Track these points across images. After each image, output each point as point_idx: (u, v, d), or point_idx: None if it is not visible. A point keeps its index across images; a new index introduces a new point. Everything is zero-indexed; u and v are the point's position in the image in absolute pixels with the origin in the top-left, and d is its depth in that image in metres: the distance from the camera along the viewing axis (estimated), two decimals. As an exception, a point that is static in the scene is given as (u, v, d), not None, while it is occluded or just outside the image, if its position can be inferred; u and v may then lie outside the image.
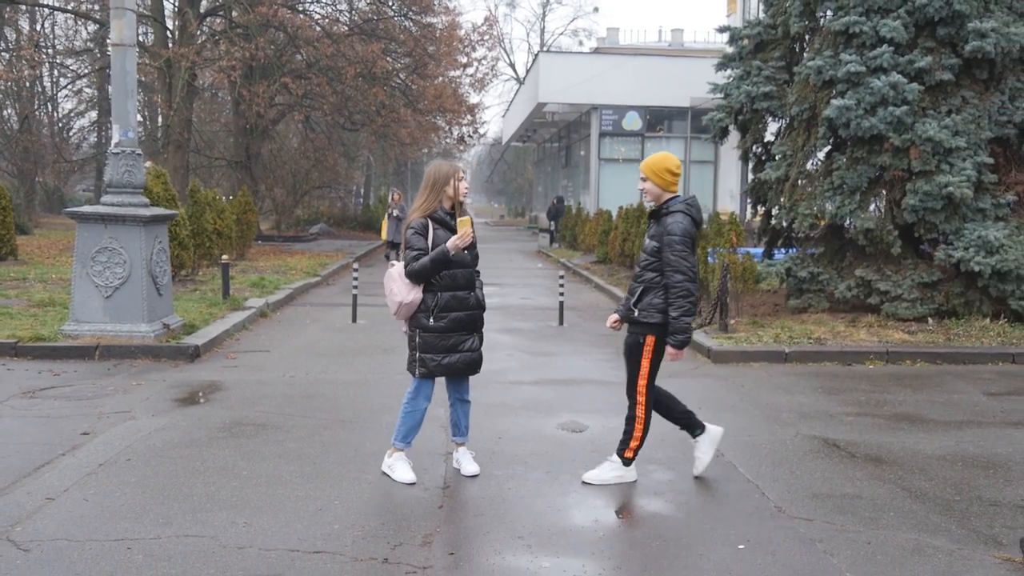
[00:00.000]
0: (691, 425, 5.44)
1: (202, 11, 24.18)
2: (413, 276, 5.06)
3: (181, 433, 6.18)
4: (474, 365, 5.27)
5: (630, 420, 5.21)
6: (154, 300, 9.34)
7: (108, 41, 29.07)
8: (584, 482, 5.19)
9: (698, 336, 9.95)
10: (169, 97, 22.50)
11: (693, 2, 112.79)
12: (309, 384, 7.88)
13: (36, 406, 6.88)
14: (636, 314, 5.08)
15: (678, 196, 5.13)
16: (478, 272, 5.35)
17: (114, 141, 9.32)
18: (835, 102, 10.50)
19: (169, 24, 24.25)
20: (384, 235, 22.43)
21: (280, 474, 5.28)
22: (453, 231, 5.09)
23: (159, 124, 28.31)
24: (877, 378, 8.52)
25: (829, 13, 11.24)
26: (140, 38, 28.67)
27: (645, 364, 5.12)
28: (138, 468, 5.37)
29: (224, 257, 12.85)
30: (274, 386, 7.77)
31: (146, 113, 34.13)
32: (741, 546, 4.30)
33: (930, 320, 10.44)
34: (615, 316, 5.36)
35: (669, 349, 5.04)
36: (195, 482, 5.11)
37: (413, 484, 5.12)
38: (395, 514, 4.67)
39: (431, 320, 5.09)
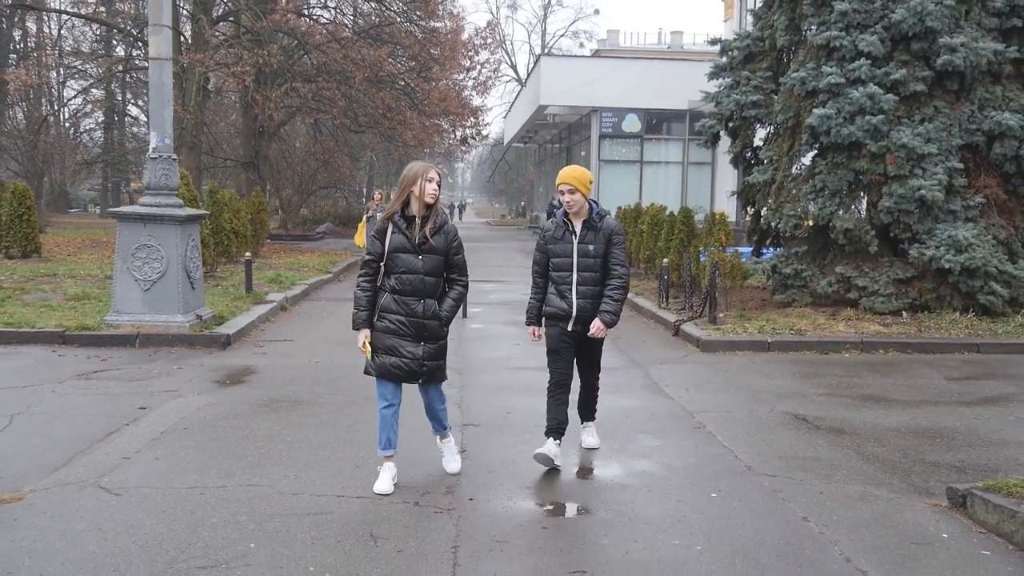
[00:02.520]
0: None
1: (214, 17, 25.03)
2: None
3: (227, 408, 7.00)
4: (413, 375, 5.11)
5: (595, 393, 6.03)
6: (188, 293, 10.15)
7: (147, 55, 29.79)
8: (590, 448, 5.99)
9: (688, 327, 10.77)
10: (183, 101, 23.33)
11: (693, 4, 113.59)
12: (333, 368, 8.69)
13: (93, 386, 7.70)
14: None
15: (592, 202, 5.59)
16: (462, 282, 5.26)
17: (152, 146, 10.14)
18: (817, 111, 11.32)
19: (183, 29, 25.12)
20: (361, 241, 19.79)
21: (319, 440, 6.11)
22: (409, 239, 5.03)
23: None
24: (851, 365, 9.34)
25: (813, 28, 12.04)
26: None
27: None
28: (195, 435, 6.19)
29: (247, 255, 13.67)
30: (302, 370, 8.58)
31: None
32: (713, 494, 5.13)
33: (904, 314, 11.25)
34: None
35: (599, 325, 5.50)
36: (247, 446, 5.93)
37: (388, 494, 5.03)
38: (421, 470, 5.48)
39: (375, 318, 5.14)
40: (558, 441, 5.62)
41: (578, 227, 5.56)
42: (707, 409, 7.25)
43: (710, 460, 5.84)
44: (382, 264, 5.09)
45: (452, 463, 5.48)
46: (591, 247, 5.50)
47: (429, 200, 5.04)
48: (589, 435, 6.07)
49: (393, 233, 5.06)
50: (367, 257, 5.15)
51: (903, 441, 6.34)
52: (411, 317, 5.06)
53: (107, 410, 6.85)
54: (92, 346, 9.48)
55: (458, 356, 9.06)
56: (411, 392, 5.39)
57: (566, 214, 5.59)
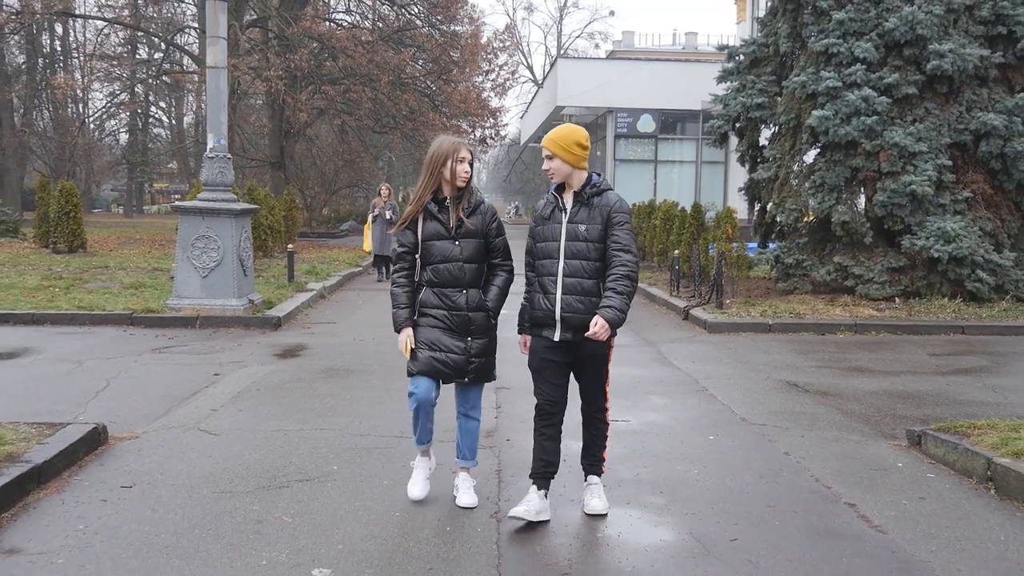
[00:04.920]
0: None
1: (245, 23, 26.19)
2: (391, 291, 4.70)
3: (289, 375, 8.03)
4: (459, 371, 4.56)
5: (604, 433, 4.70)
6: (241, 280, 11.19)
7: (174, 59, 30.80)
8: (595, 513, 4.57)
9: (696, 312, 11.75)
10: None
11: (708, 6, 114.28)
12: (376, 344, 9.71)
13: (168, 358, 8.75)
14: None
15: (592, 173, 4.45)
16: (506, 267, 4.74)
17: (209, 147, 11.20)
18: (816, 112, 12.26)
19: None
20: (367, 245, 17.64)
21: (375, 398, 7.12)
22: (444, 224, 4.52)
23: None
24: (844, 344, 10.28)
25: (812, 35, 12.97)
26: (188, 47, 30.75)
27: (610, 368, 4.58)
28: (267, 394, 7.22)
29: (289, 247, 14.74)
30: (349, 346, 9.61)
31: (194, 119, 36.05)
32: (711, 437, 6.11)
33: (897, 300, 12.19)
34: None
35: (601, 324, 4.21)
36: (313, 402, 6.96)
37: (421, 499, 4.70)
38: (464, 420, 6.48)
39: (416, 315, 4.65)
40: (544, 491, 4.51)
41: (569, 203, 4.43)
42: (710, 377, 8.22)
43: (710, 414, 6.82)
44: (417, 256, 4.57)
45: (467, 496, 4.70)
46: (583, 228, 4.32)
47: (461, 184, 4.52)
48: (594, 495, 4.63)
49: (426, 220, 4.53)
50: (400, 249, 4.63)
51: (879, 401, 7.31)
52: (454, 310, 4.54)
53: (186, 376, 7.90)
54: (157, 327, 10.54)
55: (487, 335, 10.08)
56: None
57: (558, 188, 4.49)
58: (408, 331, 4.57)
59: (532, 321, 4.52)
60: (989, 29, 12.28)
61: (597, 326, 4.19)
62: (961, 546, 4.16)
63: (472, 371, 4.59)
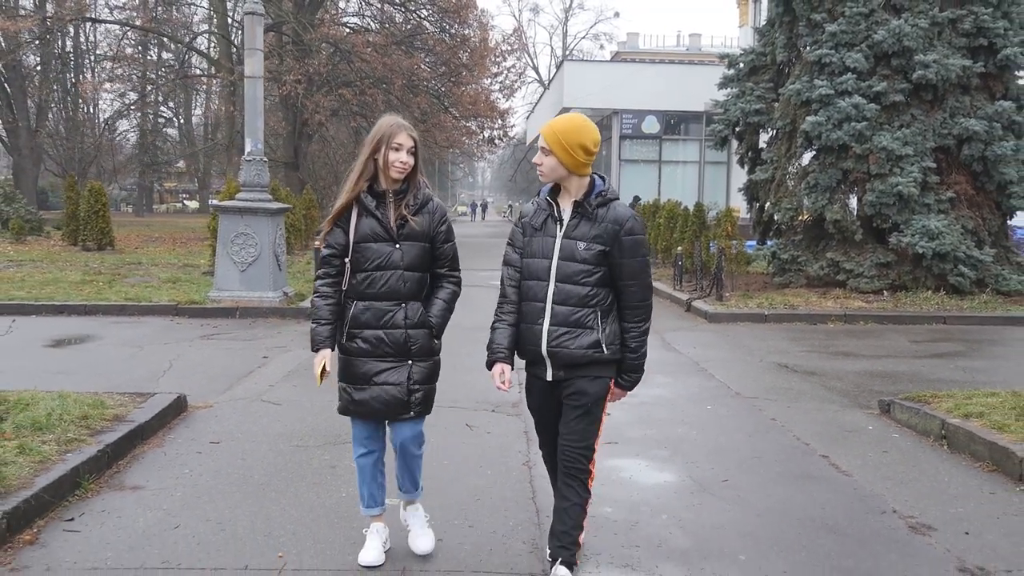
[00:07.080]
0: None
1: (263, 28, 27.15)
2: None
3: (332, 357, 8.91)
4: (401, 407, 3.82)
5: (580, 503, 3.66)
6: (276, 274, 12.11)
7: (191, 62, 31.60)
8: None
9: (698, 304, 12.65)
10: (235, 105, 25.44)
11: (711, 8, 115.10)
12: (404, 333, 10.60)
13: (218, 344, 9.67)
14: (606, 351, 3.58)
15: (595, 176, 3.65)
16: (453, 278, 3.96)
17: (247, 151, 12.12)
18: (810, 118, 13.15)
19: (235, 39, 27.25)
20: None
21: (411, 376, 8.02)
22: (382, 223, 3.73)
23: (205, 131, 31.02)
24: (833, 332, 11.18)
25: (807, 46, 13.88)
26: (207, 51, 31.70)
27: (603, 419, 3.72)
28: (315, 373, 8.12)
29: (316, 243, 15.66)
30: (379, 334, 10.51)
31: (212, 120, 36.98)
32: (708, 407, 7.02)
33: (885, 292, 13.08)
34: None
35: (617, 391, 3.71)
36: (357, 379, 7.85)
37: (377, 566, 3.91)
38: (495, 394, 7.35)
39: (343, 338, 3.85)
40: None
41: (567, 213, 3.64)
42: (709, 360, 9.12)
43: (708, 389, 7.72)
44: (347, 260, 3.79)
45: (423, 539, 4.03)
46: (581, 246, 3.55)
47: (395, 175, 3.72)
48: None
49: (360, 217, 3.76)
50: (326, 252, 3.83)
51: (859, 379, 8.21)
52: (390, 329, 3.77)
53: (239, 358, 8.81)
54: (200, 317, 11.46)
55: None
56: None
57: (552, 192, 3.70)
58: (326, 352, 3.82)
59: (520, 355, 3.74)
60: (971, 41, 13.15)
61: (613, 396, 3.69)
62: (911, 485, 5.06)
63: (416, 403, 3.86)
